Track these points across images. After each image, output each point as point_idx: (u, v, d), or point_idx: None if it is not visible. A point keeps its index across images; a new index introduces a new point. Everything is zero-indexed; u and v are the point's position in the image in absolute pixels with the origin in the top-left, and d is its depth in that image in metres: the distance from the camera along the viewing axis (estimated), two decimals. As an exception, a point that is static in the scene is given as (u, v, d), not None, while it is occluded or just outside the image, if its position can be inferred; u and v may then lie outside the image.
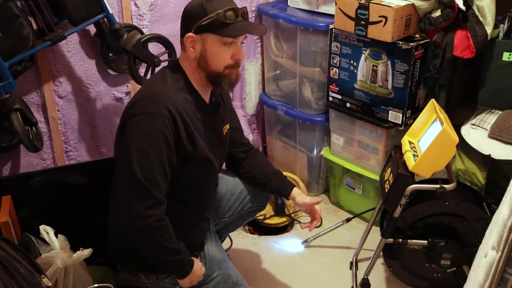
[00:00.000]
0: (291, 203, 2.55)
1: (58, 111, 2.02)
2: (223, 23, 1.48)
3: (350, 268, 2.14)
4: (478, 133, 2.09)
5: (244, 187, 1.93)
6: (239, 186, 1.93)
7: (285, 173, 2.66)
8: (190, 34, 1.50)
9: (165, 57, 2.01)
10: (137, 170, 1.44)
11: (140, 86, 2.16)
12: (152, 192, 1.46)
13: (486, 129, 2.07)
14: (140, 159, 1.45)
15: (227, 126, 1.77)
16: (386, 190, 1.83)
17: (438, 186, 1.74)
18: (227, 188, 1.91)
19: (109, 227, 1.69)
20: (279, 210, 2.51)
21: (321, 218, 2.55)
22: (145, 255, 1.57)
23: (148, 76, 1.99)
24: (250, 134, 2.78)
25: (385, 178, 1.88)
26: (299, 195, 1.89)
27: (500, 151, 1.96)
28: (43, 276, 1.36)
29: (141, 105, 1.49)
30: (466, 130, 2.14)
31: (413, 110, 2.19)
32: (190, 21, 1.51)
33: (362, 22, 2.06)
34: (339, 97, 2.36)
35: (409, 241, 1.88)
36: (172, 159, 1.50)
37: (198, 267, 1.62)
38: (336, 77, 2.34)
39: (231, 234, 2.42)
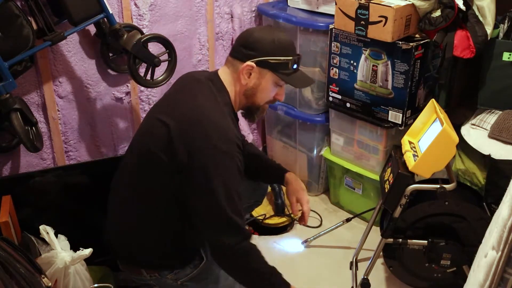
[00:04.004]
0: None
1: (58, 111, 2.02)
2: (290, 70, 1.55)
3: (350, 268, 2.14)
4: (478, 133, 2.09)
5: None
6: None
7: (285, 173, 2.68)
8: (252, 64, 1.53)
9: (165, 57, 2.01)
10: (226, 207, 1.43)
11: (139, 87, 2.17)
12: (240, 227, 1.47)
13: (486, 129, 2.07)
14: (226, 196, 1.43)
15: None
16: (386, 190, 1.83)
17: (438, 186, 1.74)
18: None
19: (106, 225, 1.69)
20: (279, 210, 2.51)
21: (321, 218, 2.55)
22: (238, 280, 1.56)
23: (148, 76, 1.99)
24: (250, 134, 2.78)
25: (385, 178, 1.88)
26: (296, 180, 1.86)
27: (500, 151, 1.96)
28: (43, 276, 1.36)
29: (211, 141, 1.42)
30: (466, 130, 2.14)
31: (413, 110, 2.19)
32: (256, 51, 1.53)
33: (362, 22, 2.06)
34: (339, 97, 2.37)
35: (409, 241, 1.88)
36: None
37: None
38: (336, 77, 2.34)
39: (231, 234, 2.42)
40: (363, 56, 2.19)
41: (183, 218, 1.57)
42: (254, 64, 1.53)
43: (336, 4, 2.15)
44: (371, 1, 2.01)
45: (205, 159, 1.42)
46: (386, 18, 1.97)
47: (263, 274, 1.53)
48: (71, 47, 1.97)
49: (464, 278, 1.58)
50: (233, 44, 1.61)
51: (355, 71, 2.26)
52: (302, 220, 1.86)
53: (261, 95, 1.59)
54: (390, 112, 2.20)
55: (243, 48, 1.55)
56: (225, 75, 1.59)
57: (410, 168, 1.74)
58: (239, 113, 1.69)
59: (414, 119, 1.95)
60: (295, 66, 1.57)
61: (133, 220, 1.61)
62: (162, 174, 1.50)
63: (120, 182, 1.68)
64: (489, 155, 1.96)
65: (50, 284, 1.36)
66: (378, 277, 2.15)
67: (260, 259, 1.53)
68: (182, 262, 1.63)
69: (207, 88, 1.55)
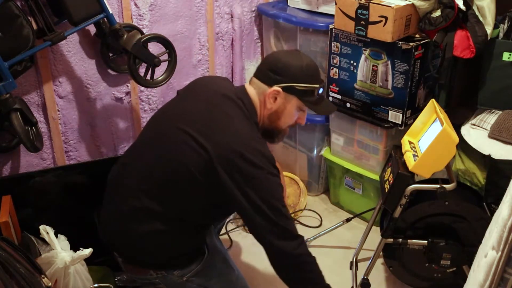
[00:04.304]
0: (291, 203, 2.56)
1: (58, 111, 2.02)
2: (316, 97, 1.59)
3: (350, 268, 2.14)
4: (478, 133, 2.09)
5: None
6: None
7: (285, 173, 2.68)
8: (279, 89, 1.54)
9: (165, 57, 2.01)
10: (280, 219, 1.47)
11: (139, 87, 2.17)
12: (293, 231, 1.51)
13: (486, 129, 2.07)
14: (276, 211, 1.47)
15: None
16: (386, 190, 1.83)
17: (438, 186, 1.74)
18: None
19: (106, 225, 1.67)
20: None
21: (321, 218, 2.55)
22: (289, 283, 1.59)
23: (148, 76, 1.99)
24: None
25: (385, 178, 1.88)
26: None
27: (500, 151, 1.96)
28: (43, 276, 1.36)
29: (259, 168, 1.45)
30: (466, 130, 2.14)
31: (413, 110, 2.19)
32: (283, 76, 1.54)
33: (362, 22, 2.06)
34: (339, 97, 2.37)
35: (409, 241, 1.88)
36: None
37: None
38: (336, 77, 2.34)
39: (231, 234, 2.42)
40: (363, 56, 2.19)
41: (196, 222, 1.59)
42: (280, 89, 1.55)
43: (336, 4, 2.15)
44: (371, 1, 2.01)
45: (255, 184, 1.45)
46: (386, 18, 1.97)
47: (315, 285, 1.59)
48: (71, 47, 1.97)
49: (464, 278, 1.58)
50: (258, 67, 1.63)
51: (355, 71, 2.26)
52: None
53: (285, 119, 1.62)
54: (390, 112, 2.20)
55: (270, 73, 1.56)
56: (253, 96, 1.59)
57: (410, 168, 1.74)
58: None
59: (414, 119, 1.95)
60: (320, 91, 1.61)
61: (144, 225, 1.56)
62: (190, 189, 1.50)
63: (126, 185, 1.62)
64: (489, 155, 1.96)
65: (50, 284, 1.36)
66: (378, 277, 2.15)
67: (317, 271, 1.58)
68: (189, 260, 1.63)
69: (240, 110, 1.55)
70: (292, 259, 1.51)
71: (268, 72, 1.57)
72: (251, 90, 1.60)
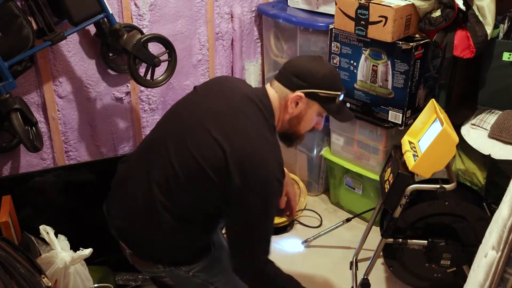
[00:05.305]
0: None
1: (58, 111, 2.02)
2: (337, 105, 1.59)
3: (350, 268, 2.14)
4: (478, 133, 2.09)
5: None
6: None
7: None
8: (302, 94, 1.55)
9: (165, 57, 2.01)
10: (263, 232, 1.51)
11: (139, 87, 2.17)
12: (267, 252, 1.54)
13: (486, 129, 2.07)
14: (265, 219, 1.50)
15: None
16: (386, 190, 1.83)
17: (438, 186, 1.74)
18: None
19: (116, 220, 1.64)
20: (279, 210, 2.51)
21: (321, 218, 2.55)
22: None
23: (148, 76, 1.99)
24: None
25: (385, 178, 1.88)
26: (286, 175, 1.88)
27: (500, 151, 1.96)
28: (43, 276, 1.36)
29: (269, 174, 1.46)
30: (466, 130, 2.14)
31: (413, 110, 2.19)
32: (307, 82, 1.54)
33: (362, 22, 2.06)
34: (339, 97, 2.36)
35: (409, 241, 1.88)
36: None
37: None
38: (336, 77, 2.34)
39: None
40: (363, 56, 2.19)
41: (207, 220, 1.61)
42: (303, 95, 1.55)
43: (336, 4, 2.15)
44: (371, 1, 2.01)
45: (259, 189, 1.45)
46: (386, 18, 1.97)
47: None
48: (71, 47, 1.97)
49: (464, 278, 1.58)
50: (280, 70, 1.62)
51: (355, 71, 2.26)
52: (290, 214, 1.92)
53: (305, 124, 1.62)
54: (390, 112, 2.20)
55: (294, 77, 1.56)
56: (273, 98, 1.59)
57: (410, 168, 1.74)
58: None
59: (414, 119, 1.95)
60: (341, 98, 1.61)
61: (155, 221, 1.56)
62: (205, 189, 1.51)
63: (141, 181, 1.59)
64: (489, 155, 1.96)
65: (50, 284, 1.36)
66: (378, 277, 2.15)
67: (278, 278, 1.61)
68: (198, 256, 1.64)
69: (259, 112, 1.55)
70: (253, 277, 1.58)
71: (292, 77, 1.56)
72: (272, 93, 1.59)
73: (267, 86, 1.62)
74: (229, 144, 1.46)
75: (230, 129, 1.49)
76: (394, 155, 1.89)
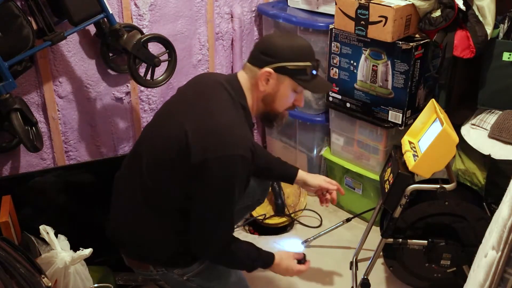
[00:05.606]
0: (291, 203, 2.56)
1: (58, 111, 2.02)
2: (309, 76, 1.54)
3: (350, 268, 2.14)
4: (478, 133, 2.09)
5: None
6: None
7: (285, 173, 2.67)
8: (270, 70, 1.52)
9: (165, 57, 2.01)
10: (219, 213, 1.50)
11: (139, 87, 2.17)
12: (229, 231, 1.55)
13: (486, 129, 2.07)
14: (224, 203, 1.49)
15: None
16: (386, 190, 1.83)
17: (438, 186, 1.74)
18: None
19: (111, 221, 1.68)
20: (279, 210, 2.51)
21: (321, 218, 2.55)
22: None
23: (148, 76, 1.99)
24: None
25: (385, 178, 1.88)
26: (308, 174, 1.95)
27: (500, 151, 1.96)
28: (43, 276, 1.36)
29: (228, 148, 1.44)
30: (466, 130, 2.14)
31: (413, 110, 2.19)
32: (274, 57, 1.52)
33: (362, 22, 2.06)
34: (339, 97, 2.37)
35: (409, 241, 1.88)
36: None
37: (279, 260, 1.72)
38: (336, 77, 2.34)
39: (231, 234, 2.42)
40: (363, 56, 2.19)
41: (186, 219, 1.58)
42: (272, 70, 1.52)
43: (336, 4, 2.15)
44: (371, 1, 2.01)
45: (219, 164, 1.44)
46: (386, 18, 1.97)
47: (245, 266, 1.68)
48: (71, 47, 1.97)
49: (464, 278, 1.58)
50: (251, 51, 1.61)
51: (355, 71, 2.26)
52: (328, 200, 2.00)
53: (280, 101, 1.59)
54: (390, 112, 2.20)
55: (261, 55, 1.54)
56: (243, 80, 1.58)
57: (410, 168, 1.74)
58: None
59: (414, 119, 1.95)
60: (314, 72, 1.57)
61: (142, 218, 1.60)
62: (174, 175, 1.51)
63: (128, 179, 1.66)
64: (489, 155, 1.96)
65: (50, 284, 1.36)
66: (378, 277, 2.15)
67: (241, 258, 1.62)
68: (190, 259, 1.64)
69: (225, 92, 1.55)
70: (215, 257, 1.60)
71: (260, 54, 1.55)
72: (242, 75, 1.59)
73: (239, 71, 1.63)
74: (190, 123, 1.48)
75: (193, 111, 1.53)
76: (394, 155, 1.89)
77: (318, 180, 1.96)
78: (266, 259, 1.69)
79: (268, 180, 2.13)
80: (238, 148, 1.44)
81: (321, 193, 2.00)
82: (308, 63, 1.54)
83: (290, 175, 1.96)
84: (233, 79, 1.59)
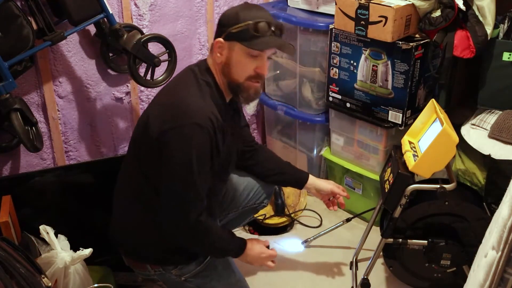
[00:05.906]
0: (291, 203, 2.56)
1: (58, 111, 2.02)
2: (252, 34, 1.47)
3: (350, 268, 2.14)
4: (478, 133, 2.09)
5: (247, 183, 1.95)
6: (242, 182, 1.95)
7: (285, 173, 2.67)
8: (220, 39, 1.52)
9: (165, 57, 2.01)
10: (183, 184, 1.47)
11: (139, 87, 2.17)
12: (197, 204, 1.50)
13: (486, 129, 2.07)
14: (186, 173, 1.46)
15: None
16: (386, 190, 1.83)
17: (438, 186, 1.74)
18: (231, 184, 1.92)
19: (112, 221, 1.70)
20: (279, 210, 2.51)
21: (321, 218, 2.55)
22: (195, 251, 1.65)
23: (148, 76, 1.99)
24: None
25: (385, 178, 1.88)
26: (319, 179, 1.98)
27: (500, 151, 1.96)
28: (43, 276, 1.36)
29: (184, 115, 1.45)
30: (466, 130, 2.14)
31: (413, 110, 2.19)
32: (223, 26, 1.52)
33: (362, 22, 2.06)
34: (339, 97, 2.37)
35: (409, 241, 1.88)
36: (209, 166, 1.52)
37: (251, 245, 1.68)
38: (336, 77, 2.34)
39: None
40: (363, 56, 2.19)
41: None
42: (222, 39, 1.51)
43: (336, 4, 2.15)
44: (371, 1, 2.01)
45: (175, 135, 1.44)
46: (386, 18, 1.97)
47: (219, 249, 1.63)
48: (71, 47, 1.97)
49: (464, 278, 1.58)
50: None
51: (355, 71, 2.26)
52: (335, 204, 2.03)
53: (236, 69, 1.53)
54: (390, 112, 2.20)
55: (217, 27, 1.55)
56: (210, 59, 1.59)
57: (410, 168, 1.74)
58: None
59: (414, 119, 1.95)
60: (263, 31, 1.48)
61: (136, 215, 1.63)
62: (146, 162, 1.55)
63: (122, 179, 1.71)
64: (489, 155, 1.96)
65: (50, 284, 1.36)
66: (378, 277, 2.15)
67: (214, 237, 1.58)
68: (186, 258, 1.64)
69: (191, 74, 1.58)
70: (184, 235, 1.55)
71: (217, 28, 1.56)
72: (209, 55, 1.60)
73: None
74: (153, 107, 1.57)
75: (158, 97, 1.61)
76: (394, 155, 1.89)
77: (330, 185, 1.99)
78: (239, 242, 1.66)
79: (276, 185, 2.13)
80: (194, 118, 1.44)
81: (328, 198, 2.02)
82: (248, 22, 1.47)
83: (301, 180, 1.97)
84: (202, 61, 1.62)
